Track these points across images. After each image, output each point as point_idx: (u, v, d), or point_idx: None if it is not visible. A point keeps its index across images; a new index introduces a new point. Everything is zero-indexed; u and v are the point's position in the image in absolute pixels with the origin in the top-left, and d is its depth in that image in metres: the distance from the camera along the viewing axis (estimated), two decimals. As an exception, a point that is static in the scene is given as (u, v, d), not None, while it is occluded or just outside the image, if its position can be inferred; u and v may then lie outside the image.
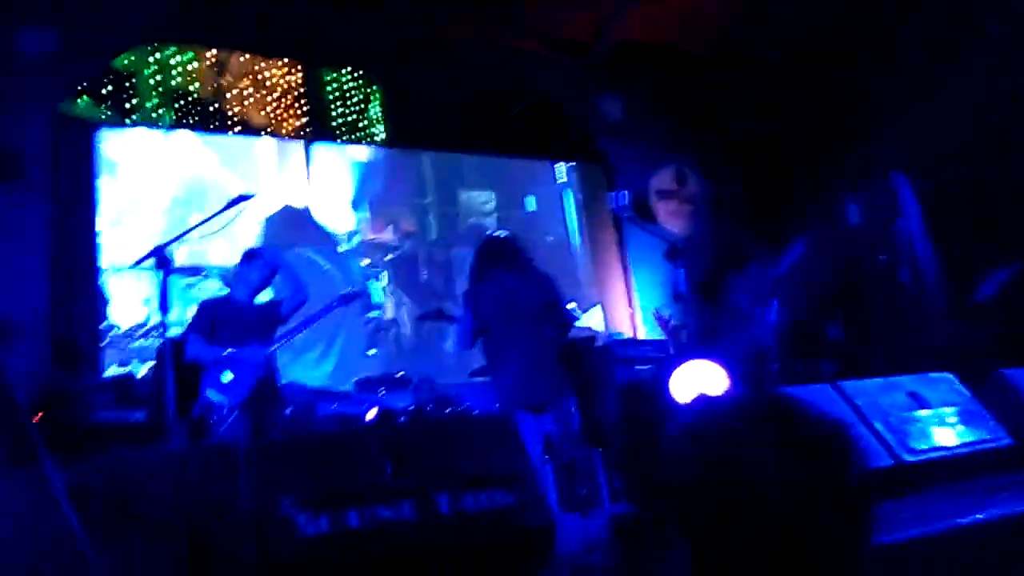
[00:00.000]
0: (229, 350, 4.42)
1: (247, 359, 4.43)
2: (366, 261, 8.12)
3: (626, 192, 4.76)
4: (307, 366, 7.29)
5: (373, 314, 8.03)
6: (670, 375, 2.69)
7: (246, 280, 4.67)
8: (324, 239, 8.07)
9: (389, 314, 8.10)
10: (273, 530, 2.40)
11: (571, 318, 4.78)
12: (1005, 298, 5.86)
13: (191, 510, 2.43)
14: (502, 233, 4.96)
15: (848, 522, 0.92)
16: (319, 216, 8.12)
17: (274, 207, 7.86)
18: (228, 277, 5.13)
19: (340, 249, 8.05)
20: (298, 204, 8.07)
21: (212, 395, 4.39)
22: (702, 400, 0.97)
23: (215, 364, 4.43)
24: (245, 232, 6.60)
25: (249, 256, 4.77)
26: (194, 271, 6.82)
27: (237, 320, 4.59)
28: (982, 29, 6.68)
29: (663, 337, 6.76)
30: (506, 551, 2.58)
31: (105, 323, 6.74)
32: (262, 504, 2.44)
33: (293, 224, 7.99)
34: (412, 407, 6.35)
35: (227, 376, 4.40)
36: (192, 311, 4.79)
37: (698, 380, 2.66)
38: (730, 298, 5.11)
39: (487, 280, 4.54)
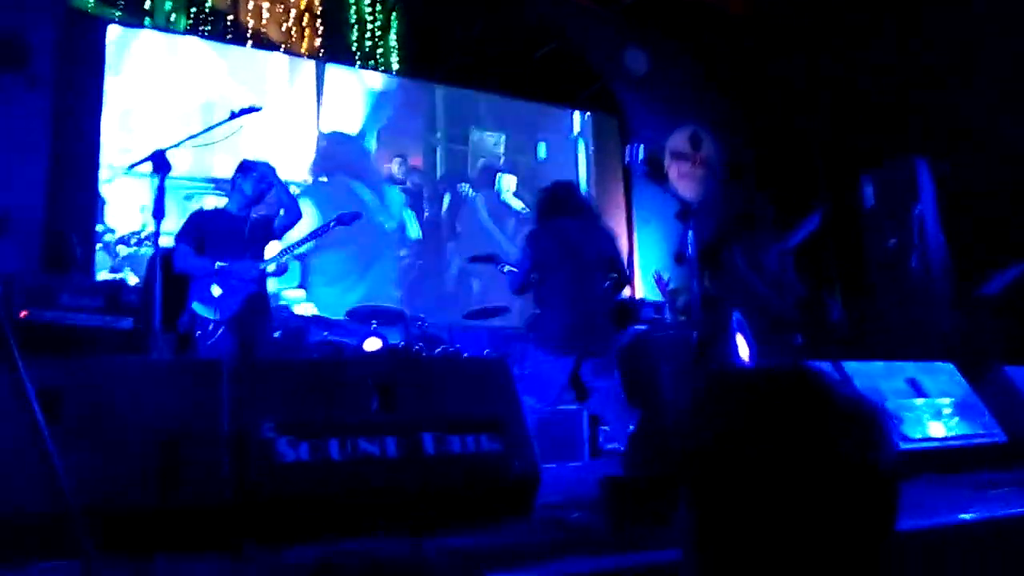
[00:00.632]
0: (220, 263, 4.27)
1: (238, 273, 4.29)
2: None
3: (642, 146, 4.62)
4: (336, 295, 7.29)
5: (404, 252, 8.01)
6: (670, 338, 2.58)
7: (240, 191, 4.49)
8: (368, 170, 7.97)
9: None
10: (251, 452, 2.34)
11: (627, 277, 4.64)
12: (1011, 295, 5.79)
13: (167, 422, 2.36)
14: (571, 182, 4.90)
15: (876, 509, 0.85)
16: (369, 145, 8.05)
17: (326, 129, 7.84)
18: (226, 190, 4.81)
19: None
20: (350, 130, 7.96)
21: (199, 308, 4.25)
22: (728, 366, 0.88)
23: (204, 276, 4.27)
24: (250, 145, 6.46)
25: (243, 168, 4.56)
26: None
27: (229, 232, 4.41)
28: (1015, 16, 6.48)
29: (660, 299, 6.71)
30: (488, 497, 2.53)
31: (100, 227, 6.63)
32: (242, 424, 2.38)
33: (340, 149, 7.92)
34: (402, 343, 6.30)
35: (216, 290, 4.25)
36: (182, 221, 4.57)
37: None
38: (738, 265, 5.01)
39: (549, 225, 4.47)
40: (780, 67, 8.24)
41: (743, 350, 2.47)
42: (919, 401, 3.64)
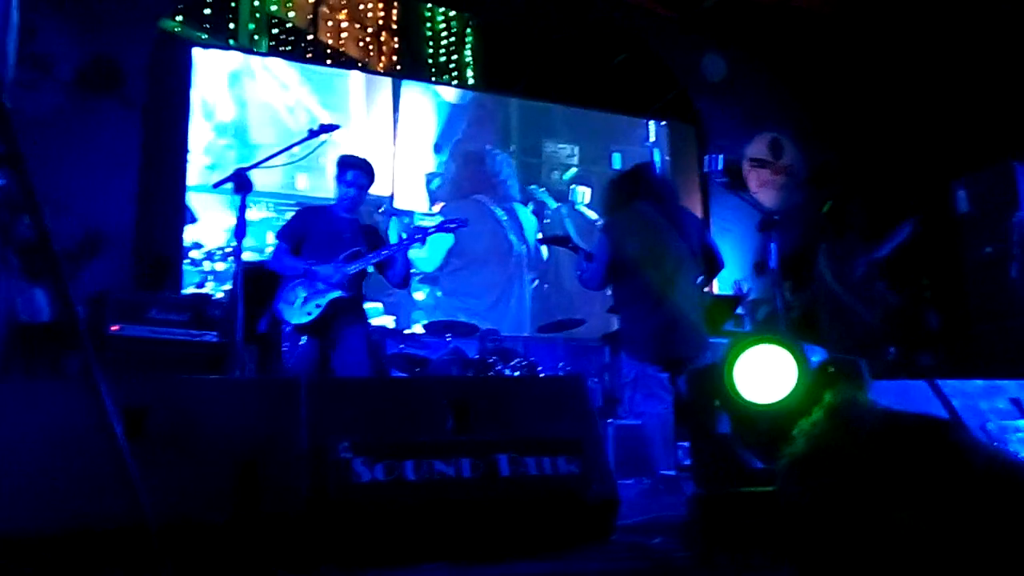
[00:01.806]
0: (310, 264, 4.17)
1: (324, 277, 4.16)
2: (442, 204, 8.03)
3: (721, 156, 4.51)
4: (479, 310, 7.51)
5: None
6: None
7: (340, 188, 4.39)
8: (507, 191, 8.13)
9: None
10: (328, 472, 2.34)
11: (721, 262, 4.21)
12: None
13: (246, 440, 2.39)
14: (646, 163, 4.55)
15: None
16: (509, 166, 8.27)
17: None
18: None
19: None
20: (425, 145, 8.12)
21: (283, 309, 4.18)
22: (843, 412, 0.80)
23: (292, 277, 4.20)
24: (330, 162, 6.58)
25: (341, 164, 4.46)
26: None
27: (330, 234, 4.32)
28: None
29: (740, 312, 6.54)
30: (566, 520, 2.47)
31: (188, 243, 6.84)
32: (319, 444, 2.38)
33: (476, 170, 8.14)
34: (477, 357, 6.30)
35: (301, 292, 4.16)
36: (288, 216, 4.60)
37: (765, 368, 2.34)
38: (824, 275, 4.82)
39: (625, 213, 3.99)
40: (865, 69, 7.95)
41: (790, 374, 2.32)
42: (1023, 422, 3.42)
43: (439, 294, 7.71)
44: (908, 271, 5.88)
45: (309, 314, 4.13)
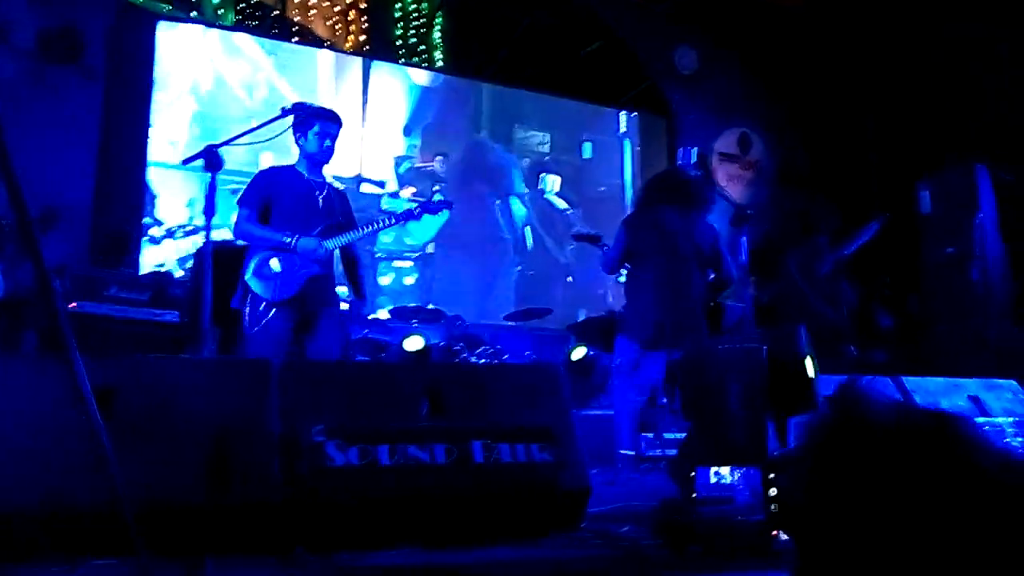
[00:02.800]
0: (286, 237, 3.78)
1: (303, 251, 3.80)
2: (411, 189, 7.97)
3: (695, 149, 4.53)
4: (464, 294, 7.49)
5: (405, 249, 7.98)
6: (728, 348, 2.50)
7: (309, 138, 3.89)
8: (501, 179, 8.11)
9: (429, 248, 8.00)
10: (301, 454, 2.31)
11: (730, 276, 4.50)
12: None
13: (218, 422, 2.34)
14: (681, 170, 4.83)
15: None
16: (502, 155, 8.27)
17: (391, 127, 7.96)
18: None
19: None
20: (395, 127, 8.05)
21: (253, 284, 3.79)
22: (852, 403, 0.79)
23: (264, 248, 3.82)
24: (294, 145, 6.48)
25: (305, 113, 3.94)
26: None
27: (300, 198, 3.91)
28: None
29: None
30: (537, 508, 2.47)
31: (147, 220, 6.69)
32: (292, 427, 2.35)
33: (482, 158, 8.15)
34: (443, 343, 6.28)
35: (275, 264, 3.78)
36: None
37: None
38: (792, 273, 4.89)
39: (647, 212, 4.39)
40: (835, 67, 8.06)
41: (811, 369, 2.38)
42: (981, 419, 3.51)
43: (411, 280, 7.66)
44: (869, 269, 5.99)
45: (287, 291, 3.78)
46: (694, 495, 2.29)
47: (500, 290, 7.89)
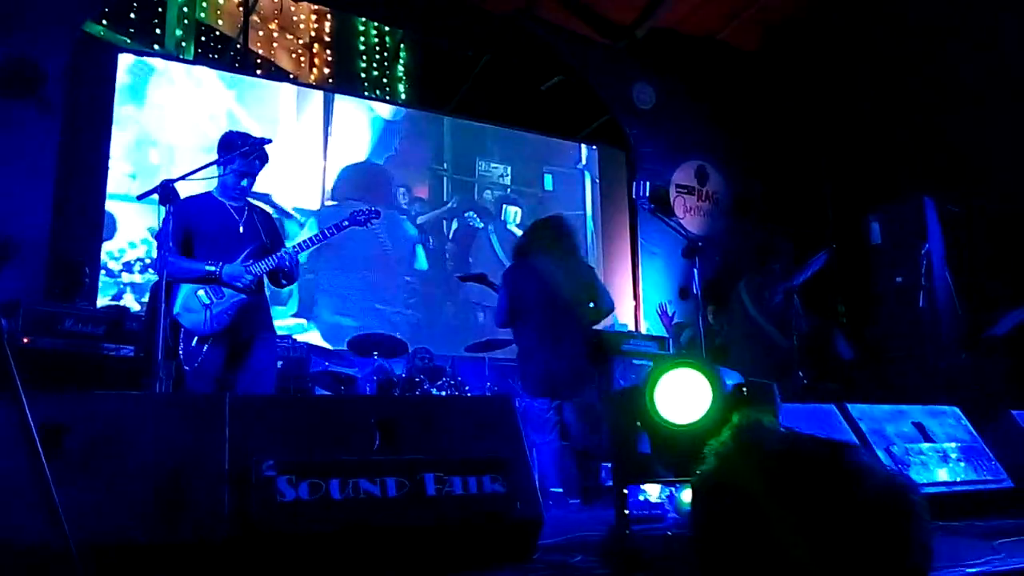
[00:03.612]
0: (208, 266, 3.69)
1: (229, 279, 3.72)
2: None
3: (647, 183, 4.64)
4: (341, 324, 7.33)
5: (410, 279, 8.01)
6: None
7: (228, 170, 3.80)
8: (382, 199, 8.00)
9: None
10: (252, 490, 2.31)
11: (608, 304, 4.71)
12: (1019, 337, 5.76)
13: (169, 458, 2.34)
14: (553, 216, 4.95)
15: None
16: (393, 178, 8.13)
17: (335, 158, 7.89)
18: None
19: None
20: (358, 159, 8.01)
21: (184, 319, 3.68)
22: (749, 435, 0.85)
23: (190, 281, 3.70)
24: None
25: (228, 144, 3.83)
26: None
27: (220, 226, 3.82)
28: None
29: (664, 334, 6.68)
30: (490, 539, 2.49)
31: (107, 254, 6.63)
32: (244, 462, 2.35)
33: (356, 177, 7.99)
34: (405, 376, 6.27)
35: (203, 299, 3.69)
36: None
37: (684, 391, 2.51)
38: (743, 301, 5.02)
39: (528, 261, 4.51)
40: (789, 103, 8.29)
41: (705, 397, 2.46)
42: (926, 446, 3.61)
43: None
44: (823, 299, 6.12)
45: (217, 323, 3.70)
46: (627, 512, 2.37)
47: (387, 304, 7.83)
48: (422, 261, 8.13)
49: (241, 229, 3.89)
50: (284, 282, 4.06)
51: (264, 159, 3.96)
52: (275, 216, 4.51)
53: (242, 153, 3.84)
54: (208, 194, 3.97)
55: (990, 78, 6.85)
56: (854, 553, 0.77)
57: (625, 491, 2.45)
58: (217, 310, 3.74)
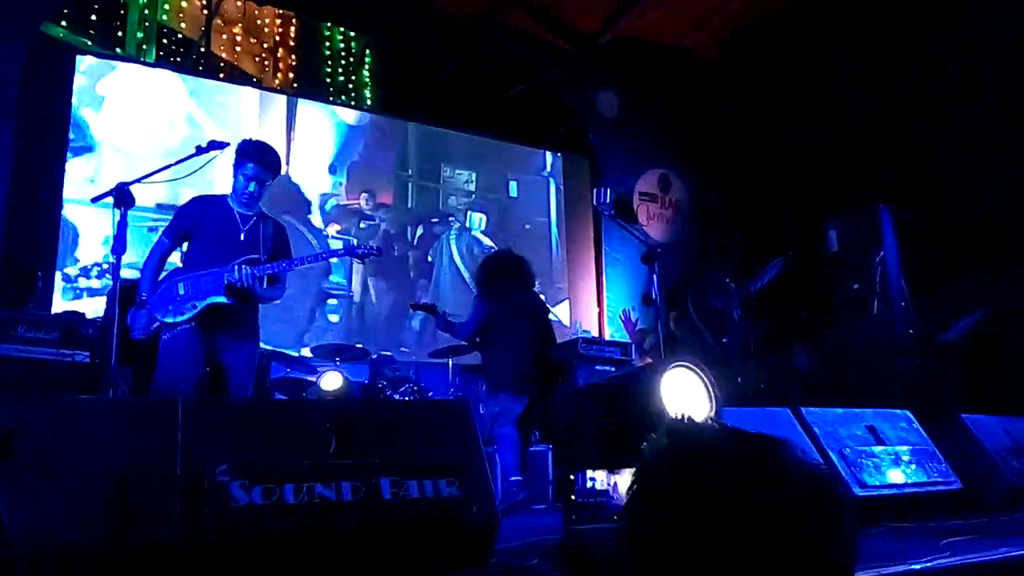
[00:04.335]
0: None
1: (205, 277, 3.80)
2: (337, 227, 7.96)
3: (609, 189, 4.69)
4: (287, 333, 7.22)
5: (331, 287, 7.86)
6: (650, 381, 2.66)
7: (239, 177, 3.94)
8: (307, 210, 7.93)
9: (355, 286, 7.95)
10: (204, 495, 2.29)
11: (554, 339, 5.61)
12: (970, 342, 5.89)
13: (120, 463, 2.31)
14: (512, 252, 5.78)
15: None
16: (300, 182, 7.98)
17: (317, 165, 7.86)
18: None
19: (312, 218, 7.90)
20: (319, 165, 7.97)
21: (158, 305, 3.77)
22: (683, 428, 0.87)
23: (176, 274, 3.85)
24: (218, 179, 6.41)
25: (242, 151, 3.99)
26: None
27: (223, 230, 3.92)
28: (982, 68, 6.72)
29: (627, 340, 6.74)
30: (445, 543, 2.49)
31: (70, 259, 6.53)
32: (197, 467, 2.33)
33: (278, 190, 7.86)
34: (366, 382, 6.25)
35: (180, 290, 3.79)
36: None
37: (681, 391, 2.69)
38: (695, 307, 5.17)
39: (501, 287, 5.28)
40: (750, 112, 8.41)
41: (703, 399, 2.53)
42: (878, 448, 3.67)
43: (335, 318, 7.60)
44: (782, 307, 6.21)
45: (182, 313, 3.76)
46: (572, 498, 2.44)
47: (424, 326, 7.85)
48: (337, 274, 7.97)
49: (242, 237, 3.96)
50: (275, 296, 4.11)
51: (276, 170, 4.11)
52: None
53: (247, 153, 4.00)
54: (223, 197, 4.10)
55: (946, 88, 7.01)
56: (778, 548, 0.79)
57: (572, 477, 2.52)
58: (188, 303, 3.80)
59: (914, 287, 6.30)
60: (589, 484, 2.46)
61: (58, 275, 6.44)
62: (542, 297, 5.75)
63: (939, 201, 6.66)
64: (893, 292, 6.17)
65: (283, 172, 7.69)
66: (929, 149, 6.94)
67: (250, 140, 4.13)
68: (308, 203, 7.93)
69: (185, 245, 4.05)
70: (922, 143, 7.11)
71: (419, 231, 8.46)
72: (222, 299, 3.81)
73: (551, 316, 5.79)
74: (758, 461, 0.83)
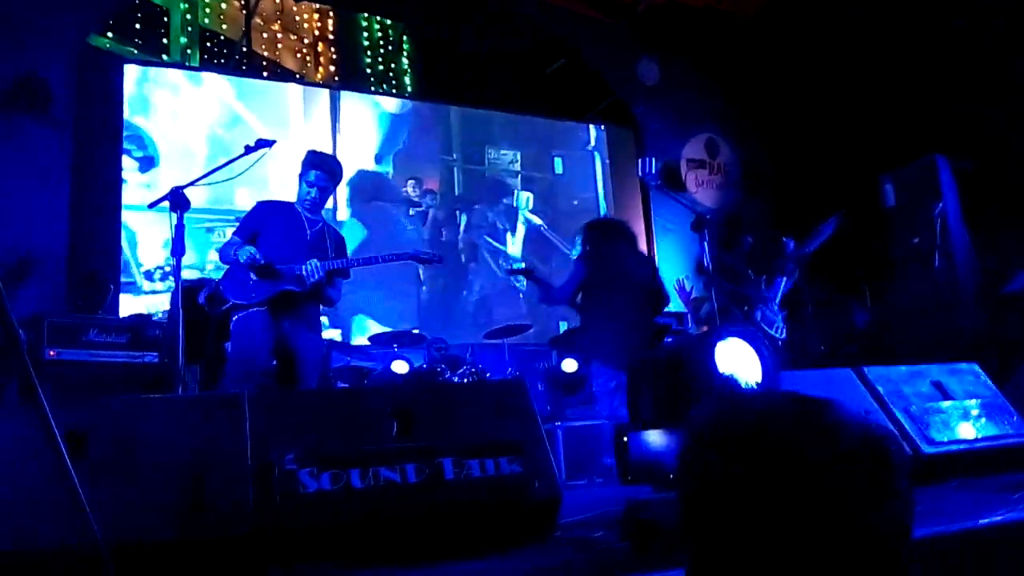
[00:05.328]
0: (259, 262, 3.99)
1: (278, 267, 4.04)
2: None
3: (654, 159, 4.66)
4: (359, 322, 7.36)
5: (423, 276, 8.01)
6: (704, 350, 2.66)
7: (303, 184, 4.19)
8: (394, 197, 8.07)
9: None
10: (274, 483, 2.37)
11: (667, 299, 5.16)
12: (1035, 294, 5.70)
13: (192, 457, 2.40)
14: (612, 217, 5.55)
15: (880, 569, 0.80)
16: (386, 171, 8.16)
17: (363, 157, 7.99)
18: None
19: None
20: (366, 156, 8.08)
21: (229, 288, 4.04)
22: (731, 392, 0.88)
23: (240, 266, 4.04)
24: (271, 177, 6.53)
25: (307, 162, 4.25)
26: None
27: (290, 230, 4.16)
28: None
29: (683, 310, 6.68)
30: (509, 519, 2.53)
31: (128, 264, 6.73)
32: (265, 457, 2.40)
33: (366, 181, 8.03)
34: (424, 366, 6.33)
35: (252, 276, 4.03)
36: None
37: (733, 361, 2.69)
38: (745, 272, 5.09)
39: (606, 249, 4.89)
40: (793, 68, 8.21)
41: (755, 367, 2.52)
42: (945, 404, 3.59)
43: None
44: (840, 266, 6.09)
45: (254, 296, 4.01)
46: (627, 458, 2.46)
47: (477, 309, 7.90)
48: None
49: (308, 237, 4.21)
50: (336, 297, 4.33)
51: (337, 178, 4.33)
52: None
53: (312, 163, 4.25)
54: (291, 204, 4.35)
55: (1001, 37, 6.74)
56: (834, 507, 0.79)
57: (625, 439, 2.54)
58: (257, 287, 4.02)
59: (977, 238, 6.10)
60: (644, 445, 2.47)
61: (122, 280, 6.65)
62: (652, 265, 5.36)
63: (997, 149, 6.42)
64: (955, 244, 5.99)
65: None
66: (984, 96, 6.69)
67: (314, 151, 4.41)
68: (395, 188, 8.14)
69: (254, 242, 4.23)
70: (976, 89, 6.86)
71: (466, 215, 8.48)
72: (293, 287, 4.03)
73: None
74: (806, 421, 0.83)
